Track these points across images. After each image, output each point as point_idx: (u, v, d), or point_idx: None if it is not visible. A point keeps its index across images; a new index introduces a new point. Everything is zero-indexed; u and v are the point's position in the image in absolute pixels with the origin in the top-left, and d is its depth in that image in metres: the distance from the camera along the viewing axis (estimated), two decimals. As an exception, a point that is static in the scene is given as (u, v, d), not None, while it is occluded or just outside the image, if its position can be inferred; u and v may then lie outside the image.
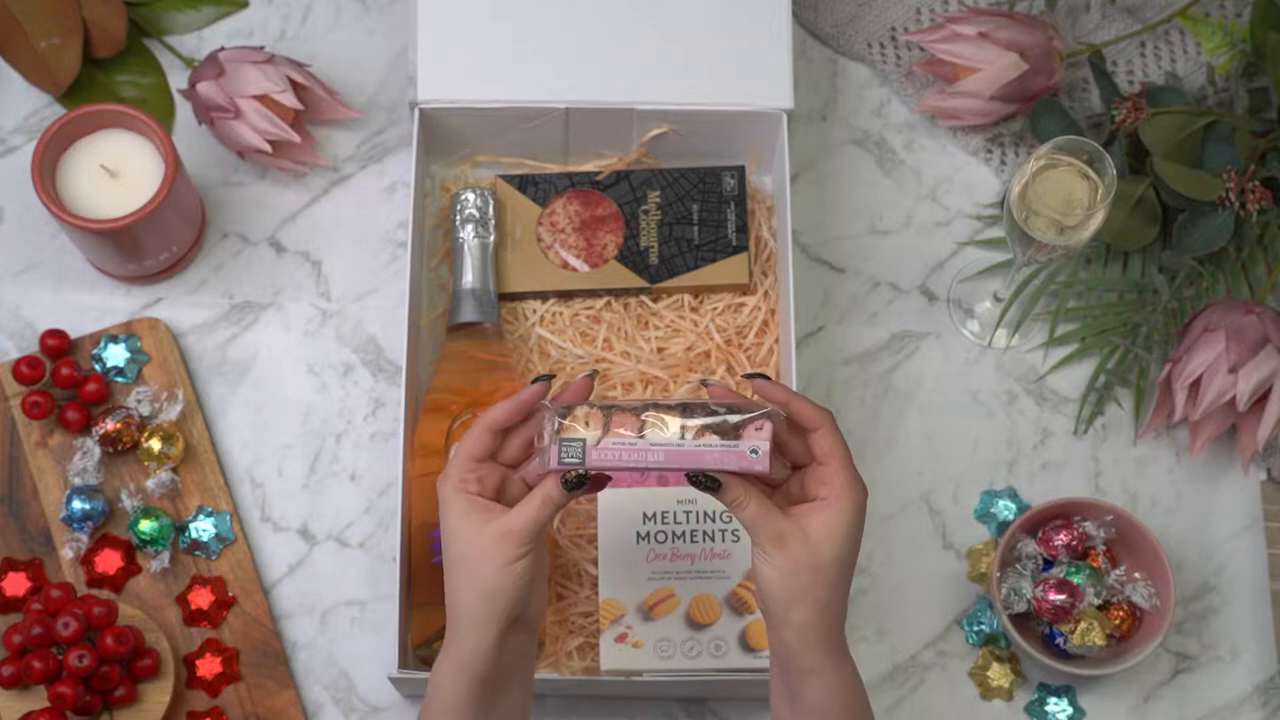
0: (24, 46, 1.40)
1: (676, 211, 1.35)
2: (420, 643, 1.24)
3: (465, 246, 1.31)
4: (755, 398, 1.05)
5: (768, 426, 1.01)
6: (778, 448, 1.03)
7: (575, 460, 1.01)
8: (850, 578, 1.03)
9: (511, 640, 1.04)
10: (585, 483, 1.03)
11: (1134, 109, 1.35)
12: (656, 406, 1.02)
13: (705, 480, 1.01)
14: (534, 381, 1.06)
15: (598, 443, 1.01)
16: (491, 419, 1.06)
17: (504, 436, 1.07)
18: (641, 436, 1.01)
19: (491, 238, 1.31)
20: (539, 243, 1.36)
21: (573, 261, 1.35)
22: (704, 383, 1.09)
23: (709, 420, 1.01)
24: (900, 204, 1.42)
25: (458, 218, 1.31)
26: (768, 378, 1.06)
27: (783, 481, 1.05)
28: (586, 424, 1.02)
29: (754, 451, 1.01)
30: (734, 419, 1.01)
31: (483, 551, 1.02)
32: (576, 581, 1.29)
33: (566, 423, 1.02)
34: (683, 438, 1.01)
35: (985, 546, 1.32)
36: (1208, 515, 1.35)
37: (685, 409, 1.02)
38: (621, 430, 1.02)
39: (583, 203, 1.36)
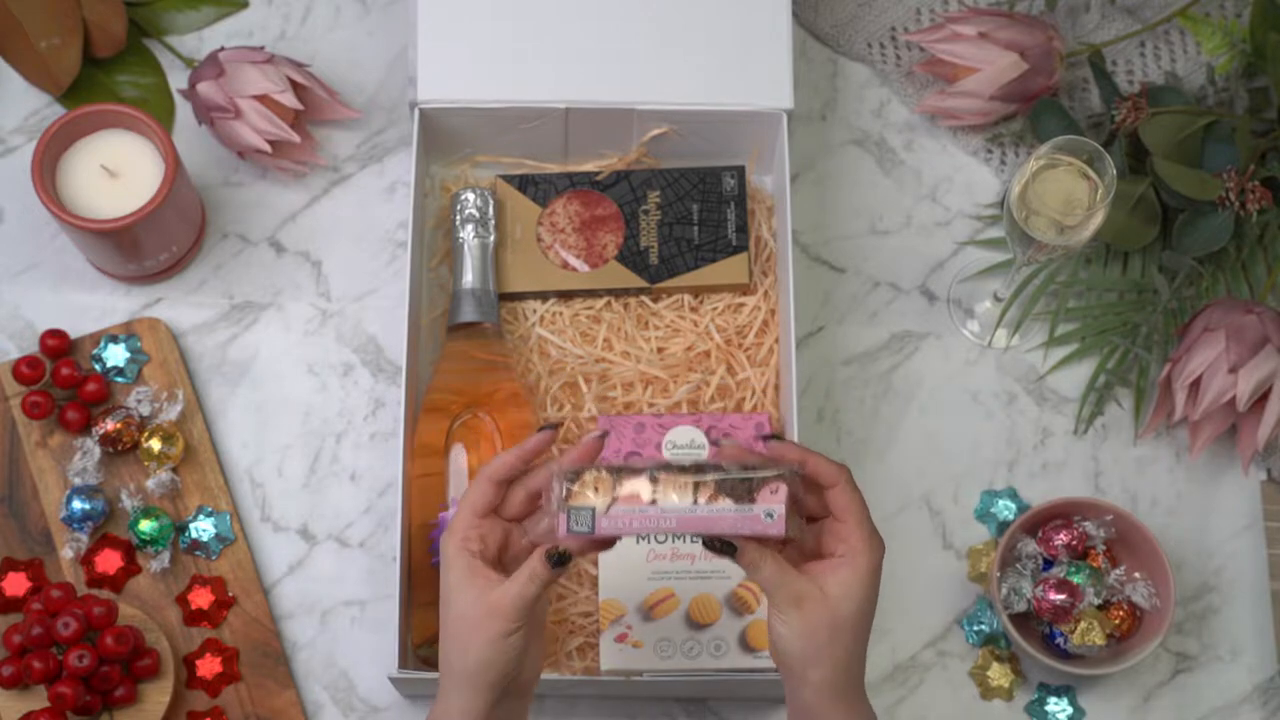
0: (24, 46, 1.40)
1: (676, 211, 1.35)
2: (421, 642, 1.24)
3: (465, 246, 1.31)
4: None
5: (783, 489, 0.99)
6: (794, 505, 1.00)
7: (584, 530, 0.99)
8: (868, 632, 1.02)
9: (504, 704, 1.03)
10: (569, 560, 1.00)
11: (1134, 109, 1.35)
12: (668, 468, 0.99)
13: (720, 545, 0.99)
14: (540, 430, 1.05)
15: (607, 509, 0.99)
16: (494, 470, 1.04)
17: (507, 486, 1.05)
18: (653, 502, 0.99)
19: (491, 238, 1.31)
20: (539, 243, 1.36)
21: (573, 261, 1.35)
22: (716, 443, 1.07)
23: (722, 480, 0.99)
24: (900, 204, 1.42)
25: (458, 218, 1.31)
26: (781, 437, 1.04)
27: (798, 539, 1.03)
28: (595, 489, 0.99)
29: (769, 515, 0.99)
30: (748, 478, 0.99)
31: (474, 622, 1.01)
32: (576, 581, 1.29)
33: (575, 489, 0.99)
34: (695, 502, 0.99)
35: (985, 546, 1.32)
36: (1208, 515, 1.35)
37: (698, 469, 0.99)
38: (631, 494, 0.99)
39: (583, 203, 1.36)
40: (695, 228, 1.35)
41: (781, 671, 1.03)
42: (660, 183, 1.36)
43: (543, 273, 1.35)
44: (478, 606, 1.01)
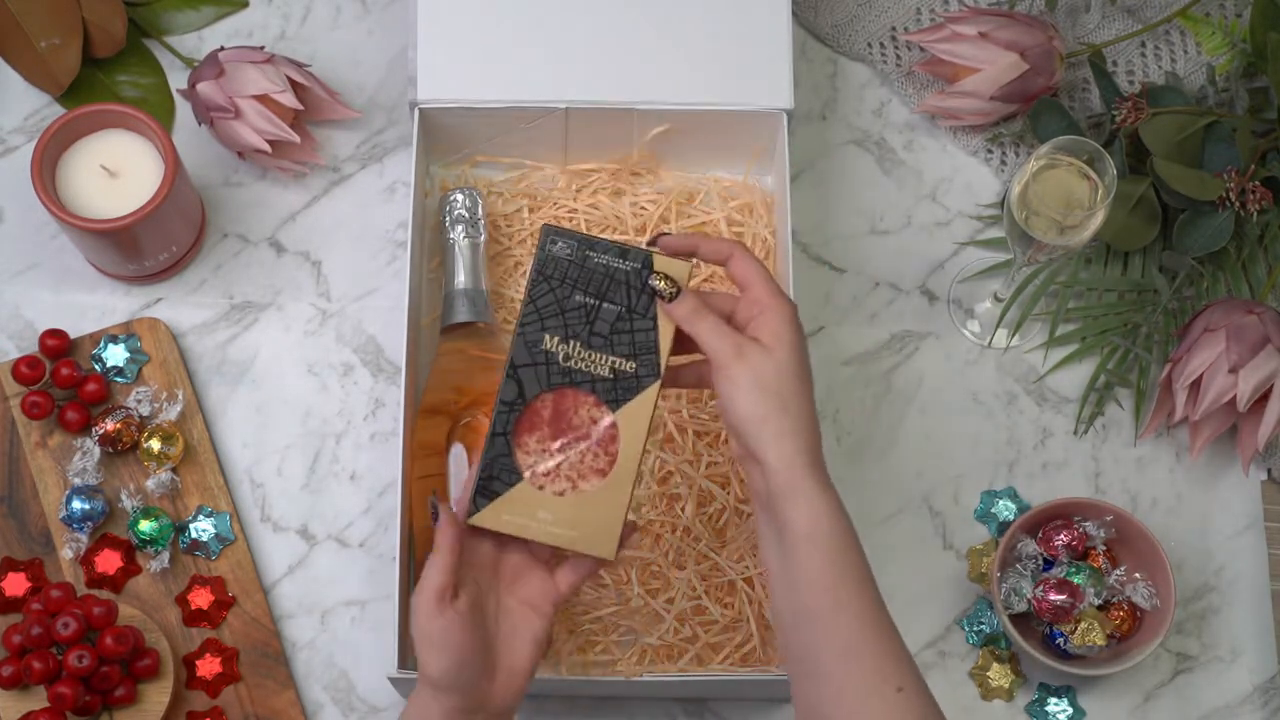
0: (24, 46, 1.40)
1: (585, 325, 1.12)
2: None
3: (456, 247, 1.30)
4: (661, 253, 1.07)
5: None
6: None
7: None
8: (812, 391, 1.04)
9: None
10: (436, 509, 1.04)
11: (1134, 109, 1.35)
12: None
13: (666, 287, 1.04)
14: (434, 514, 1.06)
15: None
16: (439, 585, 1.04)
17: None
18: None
19: (482, 237, 1.31)
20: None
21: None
22: (653, 240, 1.08)
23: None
24: (900, 204, 1.42)
25: (447, 218, 1.31)
26: (668, 233, 1.08)
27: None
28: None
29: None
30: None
31: (415, 610, 1.03)
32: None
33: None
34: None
35: (985, 546, 1.32)
36: (1208, 515, 1.35)
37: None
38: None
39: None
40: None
41: (741, 448, 1.03)
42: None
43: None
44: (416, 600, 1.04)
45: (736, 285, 1.06)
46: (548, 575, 1.07)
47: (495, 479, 1.05)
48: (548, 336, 1.05)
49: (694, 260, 1.07)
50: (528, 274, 1.05)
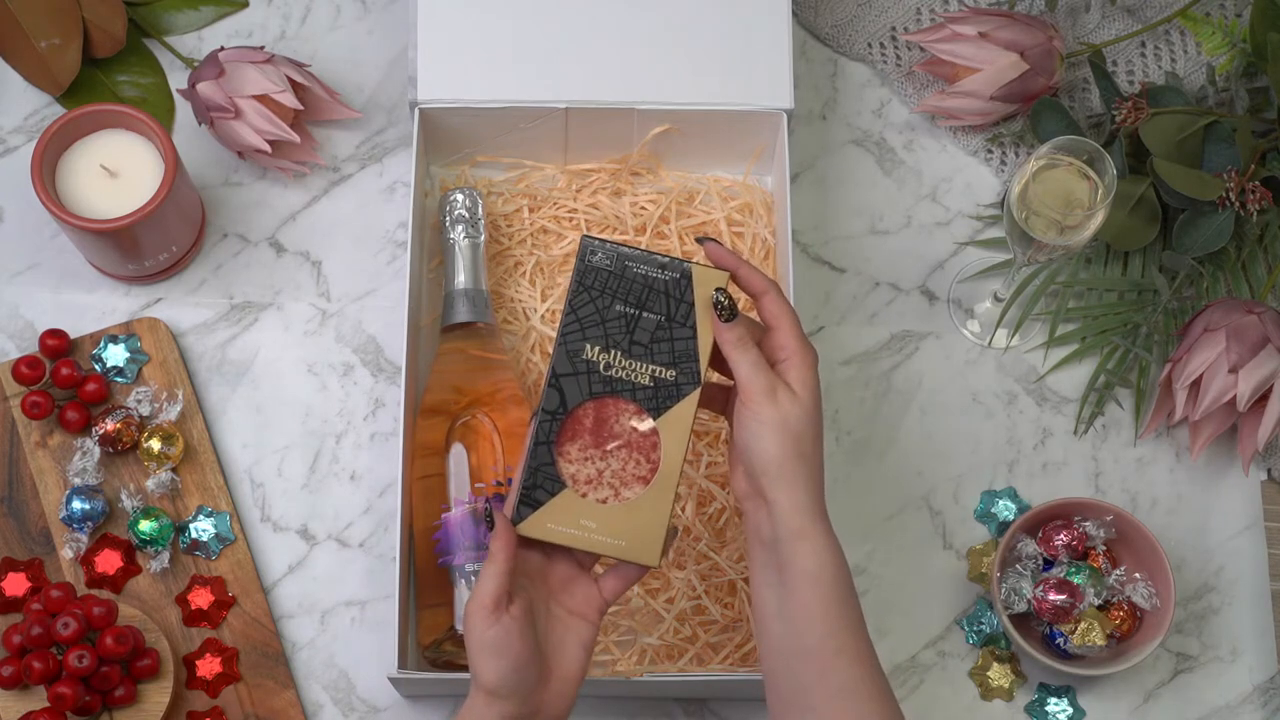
0: (24, 46, 1.40)
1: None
2: (429, 644, 1.24)
3: (456, 247, 1.30)
4: (705, 260, 1.08)
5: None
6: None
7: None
8: (823, 440, 1.06)
9: None
10: (490, 517, 1.04)
11: (1134, 109, 1.35)
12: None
13: (725, 305, 1.04)
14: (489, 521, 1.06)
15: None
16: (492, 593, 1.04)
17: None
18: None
19: (482, 237, 1.31)
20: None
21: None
22: (700, 240, 1.09)
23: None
24: (900, 204, 1.42)
25: (447, 218, 1.31)
26: (719, 241, 1.07)
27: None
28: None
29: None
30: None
31: (471, 618, 1.04)
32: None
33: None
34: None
35: (985, 546, 1.32)
36: (1208, 515, 1.35)
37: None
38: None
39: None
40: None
41: (752, 485, 1.05)
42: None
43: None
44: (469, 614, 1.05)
45: (764, 320, 1.07)
46: (592, 582, 1.08)
47: (539, 487, 1.05)
48: (589, 346, 1.06)
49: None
50: (569, 285, 1.06)
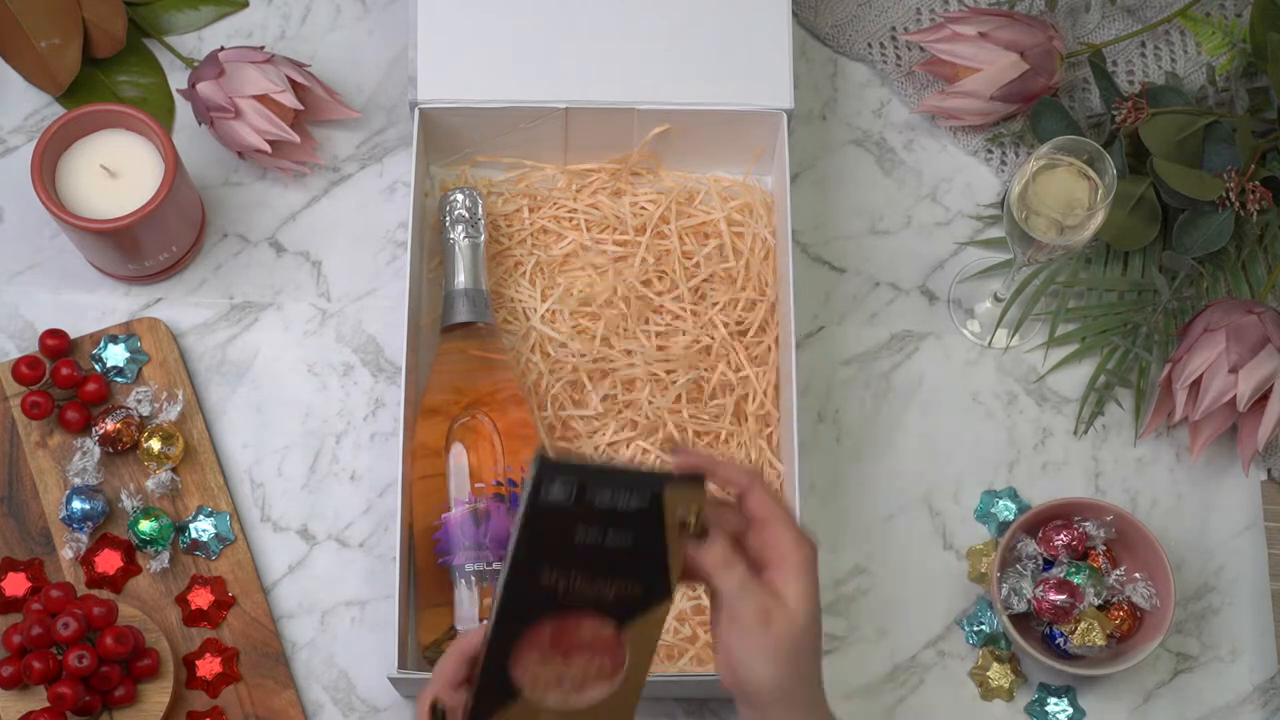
0: (24, 46, 1.40)
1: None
2: (429, 644, 1.24)
3: (456, 247, 1.30)
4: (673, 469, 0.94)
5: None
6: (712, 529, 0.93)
7: None
8: (821, 642, 0.96)
9: None
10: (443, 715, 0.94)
11: (1134, 109, 1.35)
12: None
13: (694, 525, 0.91)
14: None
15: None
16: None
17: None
18: None
19: (482, 237, 1.31)
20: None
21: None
22: (670, 452, 0.97)
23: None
24: (900, 204, 1.42)
25: (447, 218, 1.31)
26: (686, 450, 0.95)
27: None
28: None
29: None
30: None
31: None
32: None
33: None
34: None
35: (985, 546, 1.32)
36: (1208, 515, 1.35)
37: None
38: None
39: None
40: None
41: (740, 696, 0.95)
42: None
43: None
44: None
45: (750, 518, 0.95)
46: None
47: (491, 694, 0.95)
48: (546, 571, 0.93)
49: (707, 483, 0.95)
50: (520, 509, 0.91)
